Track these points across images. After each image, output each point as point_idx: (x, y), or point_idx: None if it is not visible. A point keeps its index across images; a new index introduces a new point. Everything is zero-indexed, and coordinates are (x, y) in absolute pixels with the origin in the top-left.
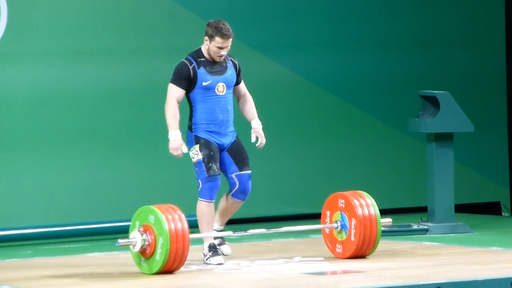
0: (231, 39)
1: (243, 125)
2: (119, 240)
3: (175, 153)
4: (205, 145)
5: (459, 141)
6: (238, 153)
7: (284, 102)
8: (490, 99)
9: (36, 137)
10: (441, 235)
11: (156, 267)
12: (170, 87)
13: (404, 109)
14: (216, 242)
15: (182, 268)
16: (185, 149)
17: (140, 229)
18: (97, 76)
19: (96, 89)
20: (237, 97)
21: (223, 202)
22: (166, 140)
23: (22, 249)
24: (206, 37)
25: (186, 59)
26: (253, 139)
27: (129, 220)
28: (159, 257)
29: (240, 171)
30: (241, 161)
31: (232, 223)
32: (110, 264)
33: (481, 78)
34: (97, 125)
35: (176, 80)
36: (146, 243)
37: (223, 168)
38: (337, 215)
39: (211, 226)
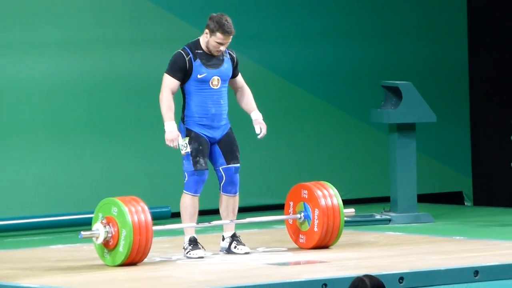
0: (232, 36)
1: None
2: (82, 232)
3: (171, 144)
4: (195, 139)
5: (422, 131)
6: (228, 146)
7: None
8: (452, 89)
9: None
10: (404, 225)
11: (120, 259)
12: (165, 77)
13: (366, 99)
14: (233, 245)
15: (145, 260)
16: (181, 140)
17: (103, 221)
18: (56, 68)
19: (55, 80)
20: (235, 90)
21: (220, 205)
22: (132, 131)
23: None
24: (206, 30)
25: (183, 49)
26: (257, 130)
27: (92, 212)
28: (122, 249)
29: (228, 164)
30: (230, 154)
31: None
32: (73, 256)
33: (443, 69)
34: (59, 117)
35: (172, 71)
36: (109, 235)
37: (212, 161)
38: (300, 205)
39: (194, 219)
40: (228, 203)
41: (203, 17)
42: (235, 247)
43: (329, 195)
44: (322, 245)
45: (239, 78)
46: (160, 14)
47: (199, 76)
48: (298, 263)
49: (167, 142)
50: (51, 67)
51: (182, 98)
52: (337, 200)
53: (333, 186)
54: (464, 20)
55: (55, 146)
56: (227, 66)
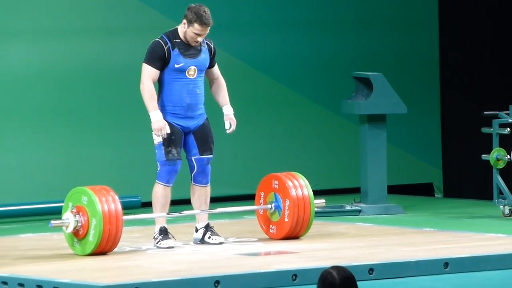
0: (209, 27)
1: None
2: (52, 221)
3: (159, 133)
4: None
5: (392, 122)
6: (203, 137)
7: None
8: (423, 80)
9: None
10: (374, 216)
11: (89, 248)
12: (144, 67)
13: (337, 90)
14: (206, 236)
15: (115, 250)
16: (168, 129)
17: (73, 210)
18: (25, 56)
19: (24, 68)
20: (210, 81)
21: (192, 196)
22: (103, 120)
23: None
24: (184, 20)
25: (161, 38)
26: (226, 126)
27: (62, 201)
28: (92, 238)
29: (200, 155)
30: (204, 145)
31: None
32: (42, 245)
33: (414, 60)
34: (30, 105)
35: (151, 60)
36: (79, 224)
37: (186, 151)
38: (271, 196)
39: (165, 209)
40: (200, 194)
41: (174, 6)
42: (209, 237)
43: (299, 185)
44: (293, 236)
45: (215, 69)
46: (132, 3)
47: (176, 66)
48: (268, 253)
49: (155, 132)
50: (22, 55)
51: (158, 87)
52: (308, 190)
53: (303, 177)
54: (435, 11)
55: (25, 135)
56: (204, 56)
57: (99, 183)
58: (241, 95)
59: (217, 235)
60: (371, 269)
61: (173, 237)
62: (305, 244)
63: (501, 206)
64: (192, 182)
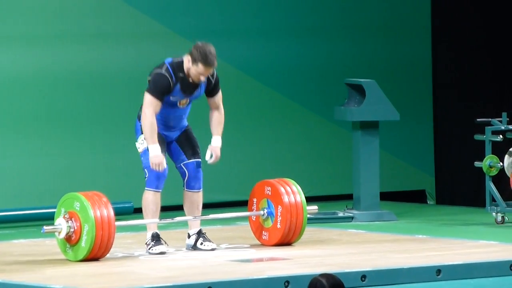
0: (213, 67)
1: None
2: (44, 227)
3: (157, 168)
4: None
5: (385, 129)
6: (187, 142)
7: None
8: (416, 87)
9: None
10: (367, 222)
11: (82, 254)
12: (149, 98)
13: (330, 97)
14: (199, 242)
15: (107, 255)
16: (165, 163)
17: (65, 216)
18: (20, 62)
19: (18, 74)
20: (210, 108)
21: (184, 202)
22: (95, 126)
23: None
24: (189, 57)
25: (167, 71)
26: (207, 156)
27: (54, 207)
28: (84, 244)
29: (189, 159)
30: (190, 149)
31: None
32: (35, 251)
33: (407, 67)
34: (21, 110)
35: (156, 93)
36: (72, 230)
37: (173, 159)
38: (264, 202)
39: (156, 215)
40: (192, 199)
41: (167, 12)
42: (201, 243)
43: (292, 192)
44: (285, 242)
45: (215, 99)
46: (124, 8)
47: (171, 98)
48: (260, 260)
49: (153, 166)
50: (14, 61)
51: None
52: (300, 197)
53: (296, 183)
54: (428, 18)
55: (17, 140)
56: (200, 90)
57: (91, 188)
58: (234, 102)
59: (209, 241)
60: (363, 276)
61: (165, 243)
62: (297, 251)
63: (494, 213)
64: (185, 189)
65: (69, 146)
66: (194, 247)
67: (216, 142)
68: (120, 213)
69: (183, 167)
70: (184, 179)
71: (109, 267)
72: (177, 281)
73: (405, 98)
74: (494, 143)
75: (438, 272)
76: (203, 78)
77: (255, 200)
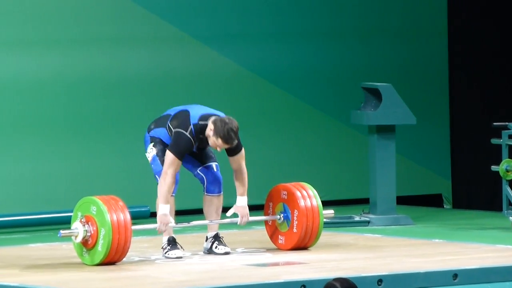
0: (233, 145)
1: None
2: (61, 231)
3: (162, 228)
4: (160, 142)
5: (401, 133)
6: (201, 151)
7: (227, 93)
8: (432, 91)
9: None
10: (383, 227)
11: (98, 258)
12: (172, 158)
13: (346, 101)
14: (214, 245)
15: (124, 259)
16: (172, 223)
17: (82, 220)
18: (36, 66)
19: (34, 78)
20: (232, 168)
21: (203, 205)
22: (111, 130)
23: None
24: (212, 126)
25: (191, 133)
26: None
27: (71, 211)
28: (101, 248)
29: (204, 164)
30: (204, 156)
31: (176, 214)
32: (52, 255)
33: (423, 70)
34: (38, 114)
35: (179, 154)
36: (88, 234)
37: (189, 168)
38: (280, 206)
39: (171, 228)
40: (212, 203)
41: (183, 16)
42: (216, 247)
43: (308, 196)
44: (301, 246)
45: (236, 159)
46: (140, 12)
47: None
48: (276, 264)
49: (159, 225)
50: (31, 65)
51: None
52: (317, 201)
53: (312, 187)
54: (444, 21)
55: (34, 144)
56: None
57: (108, 192)
58: (250, 106)
59: (224, 245)
60: (380, 280)
61: (181, 247)
62: (313, 255)
63: (510, 217)
64: (205, 193)
65: (85, 150)
66: (210, 251)
67: (241, 202)
68: (137, 217)
69: (200, 173)
70: (203, 185)
71: (125, 271)
72: (193, 285)
73: (421, 102)
74: (511, 147)
75: (455, 276)
76: (219, 150)
77: (271, 204)
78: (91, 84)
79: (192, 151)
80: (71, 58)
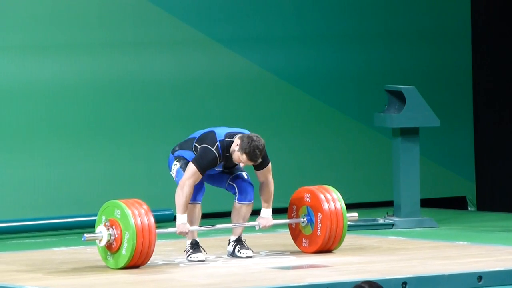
0: (257, 162)
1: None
2: (85, 235)
3: (182, 234)
4: (184, 159)
5: (425, 135)
6: (227, 166)
7: (251, 96)
8: (456, 93)
9: None
10: (407, 229)
11: (123, 261)
12: (193, 170)
13: (370, 103)
14: (236, 249)
15: (148, 263)
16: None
17: (106, 223)
18: (61, 70)
19: (60, 82)
20: (259, 179)
21: (232, 211)
22: (135, 134)
23: None
24: (238, 142)
25: (217, 149)
26: (256, 223)
27: (95, 215)
28: (125, 251)
29: (233, 174)
30: (232, 168)
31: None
32: (76, 258)
33: (447, 73)
34: (63, 118)
35: (201, 168)
36: (112, 237)
37: (217, 183)
38: (304, 209)
39: (195, 225)
40: (241, 211)
41: (206, 20)
42: (238, 250)
43: (332, 199)
44: (325, 249)
45: (263, 172)
46: (163, 16)
47: (216, 169)
48: (300, 267)
49: (179, 234)
50: (55, 69)
51: (185, 145)
52: (340, 204)
53: (336, 190)
54: (467, 24)
55: (59, 148)
56: (240, 167)
57: (132, 196)
58: (273, 109)
59: (247, 248)
60: (404, 282)
61: (204, 250)
62: (337, 258)
63: None
64: (236, 201)
65: (110, 153)
66: (233, 254)
67: (265, 213)
68: (161, 221)
69: (230, 183)
70: (235, 195)
71: (149, 274)
72: None
73: (445, 104)
74: None
75: (479, 278)
76: (242, 165)
77: (294, 207)
78: (116, 89)
79: (220, 170)
80: (97, 62)
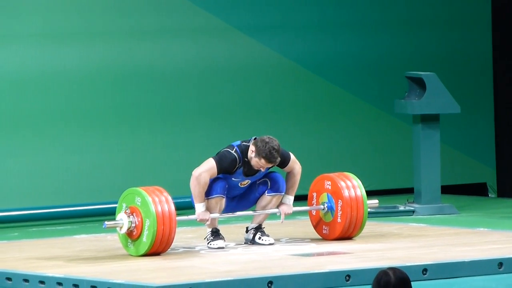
0: (276, 163)
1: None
2: (106, 222)
3: (203, 221)
4: None
5: (446, 122)
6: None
7: (270, 84)
8: (476, 80)
9: (21, 119)
10: (428, 216)
11: (143, 249)
12: (212, 164)
13: (390, 90)
14: (257, 236)
15: (169, 250)
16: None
17: (126, 211)
18: (82, 58)
19: (81, 70)
20: (286, 172)
21: (259, 201)
22: (156, 121)
23: (9, 231)
24: (253, 148)
25: (236, 152)
26: (277, 210)
27: (115, 202)
28: (146, 239)
29: (260, 179)
30: (254, 176)
31: None
32: (97, 246)
33: (467, 59)
34: (83, 106)
35: (219, 165)
36: (133, 225)
37: (250, 199)
38: (324, 196)
39: (217, 212)
40: (269, 202)
41: (225, 7)
42: (259, 238)
43: (352, 186)
44: (345, 237)
45: (289, 167)
46: (183, 3)
47: (233, 179)
48: (321, 254)
49: (199, 221)
50: (77, 57)
51: None
52: (361, 191)
53: (356, 177)
54: (488, 10)
55: (80, 136)
56: (261, 173)
57: (152, 183)
58: (293, 96)
59: (267, 235)
60: (425, 269)
61: (223, 238)
62: (358, 245)
63: None
64: (266, 194)
65: (130, 141)
66: (253, 242)
67: (286, 199)
68: (181, 208)
69: (261, 181)
70: (267, 187)
71: (170, 261)
72: (238, 275)
73: (465, 91)
74: None
75: (500, 265)
76: (263, 170)
77: (315, 194)
78: (136, 76)
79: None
80: (117, 50)
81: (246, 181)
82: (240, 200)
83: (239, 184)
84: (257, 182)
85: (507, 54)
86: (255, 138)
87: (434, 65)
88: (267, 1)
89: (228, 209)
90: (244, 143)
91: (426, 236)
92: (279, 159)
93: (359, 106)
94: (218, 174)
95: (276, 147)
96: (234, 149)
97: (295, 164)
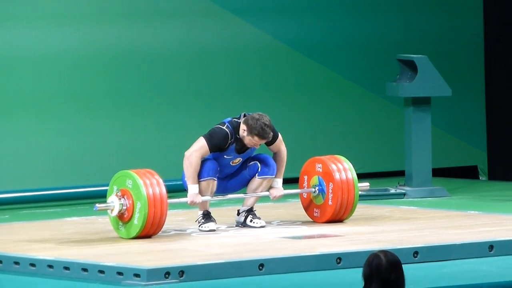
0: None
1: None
2: (97, 205)
3: (192, 204)
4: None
5: (437, 105)
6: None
7: (262, 66)
8: (468, 63)
9: (11, 101)
10: (419, 199)
11: (134, 231)
12: (202, 143)
13: (382, 73)
14: (248, 219)
15: (160, 233)
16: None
17: (117, 193)
18: (73, 40)
19: (72, 52)
20: (272, 152)
21: (249, 184)
22: (147, 104)
23: (0, 214)
24: (245, 127)
25: (228, 128)
26: (267, 193)
27: (106, 185)
28: (137, 221)
29: (249, 161)
30: (245, 153)
31: None
32: (88, 229)
33: (459, 42)
34: (74, 88)
35: (211, 143)
36: (124, 207)
37: (239, 172)
38: (315, 179)
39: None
40: (259, 184)
41: None
42: (251, 220)
43: (343, 169)
44: (336, 219)
45: (275, 145)
46: None
47: (225, 157)
48: (312, 237)
49: (190, 204)
50: (67, 39)
51: None
52: (352, 174)
53: (347, 160)
54: None
55: (71, 118)
56: (253, 149)
57: (143, 166)
58: (285, 78)
59: (259, 218)
60: (415, 252)
61: (215, 220)
62: (349, 228)
63: None
64: (256, 177)
65: (121, 124)
66: (244, 224)
67: (276, 183)
68: (173, 191)
69: (251, 163)
70: (258, 169)
71: (161, 244)
72: (229, 258)
73: (457, 74)
74: None
75: (491, 248)
76: (257, 147)
77: (306, 177)
78: (128, 58)
79: (233, 159)
80: (107, 32)
81: (238, 159)
82: (231, 179)
83: (230, 163)
84: (248, 164)
85: (498, 37)
86: (244, 115)
87: (425, 48)
88: None
89: (220, 189)
90: (234, 119)
91: (417, 219)
92: (271, 134)
93: (351, 88)
94: (210, 151)
95: (267, 123)
96: (226, 125)
97: (281, 144)
